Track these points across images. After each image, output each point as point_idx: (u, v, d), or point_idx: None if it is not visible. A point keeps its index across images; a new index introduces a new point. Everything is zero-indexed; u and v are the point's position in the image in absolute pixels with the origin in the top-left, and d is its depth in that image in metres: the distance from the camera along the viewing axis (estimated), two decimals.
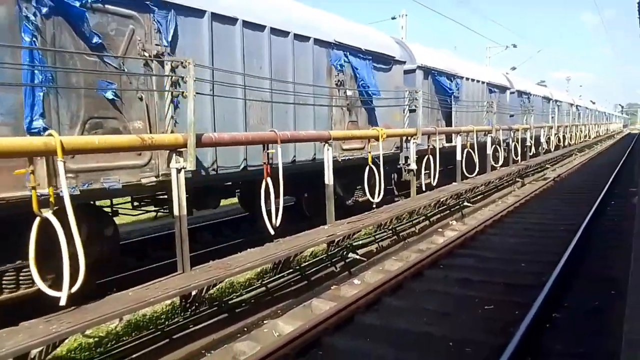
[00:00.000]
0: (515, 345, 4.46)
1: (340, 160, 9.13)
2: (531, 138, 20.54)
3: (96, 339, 4.71)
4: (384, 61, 10.80)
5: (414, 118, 11.86)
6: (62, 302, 4.11)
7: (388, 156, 10.44)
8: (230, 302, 5.80)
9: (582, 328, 5.15)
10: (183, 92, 5.49)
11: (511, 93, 20.81)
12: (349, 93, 9.53)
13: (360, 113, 10.01)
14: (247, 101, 7.13)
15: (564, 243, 8.19)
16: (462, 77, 15.26)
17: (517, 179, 16.89)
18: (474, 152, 14.01)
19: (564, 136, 28.50)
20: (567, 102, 34.07)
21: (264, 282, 6.40)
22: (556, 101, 29.22)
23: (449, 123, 14.29)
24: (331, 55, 9.07)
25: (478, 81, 16.84)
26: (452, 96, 14.34)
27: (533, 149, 21.42)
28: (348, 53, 9.45)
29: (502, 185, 15.66)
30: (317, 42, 8.69)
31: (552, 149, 25.14)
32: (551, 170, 20.41)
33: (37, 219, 4.09)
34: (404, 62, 11.94)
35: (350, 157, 9.54)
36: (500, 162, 16.62)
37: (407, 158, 11.71)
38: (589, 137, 39.55)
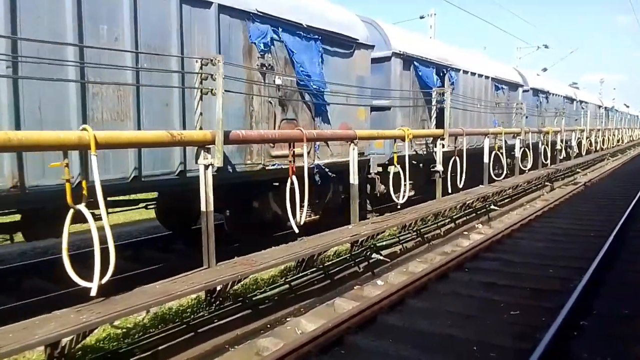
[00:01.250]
0: (542, 352, 4.38)
1: (267, 169, 7.24)
2: (562, 141, 20.05)
3: (124, 330, 4.83)
4: (340, 43, 8.52)
5: (386, 117, 10.47)
6: (93, 293, 4.22)
7: (343, 164, 8.24)
8: (254, 298, 5.85)
9: (611, 336, 5.02)
10: (212, 90, 5.55)
11: (524, 91, 18.47)
12: (279, 82, 7.27)
13: (301, 109, 7.83)
14: (87, 86, 5.01)
15: (594, 249, 7.98)
16: (458, 70, 13.00)
17: (547, 183, 16.55)
18: (502, 155, 13.81)
19: (595, 140, 27.67)
20: (594, 103, 31.10)
21: (287, 280, 6.45)
22: (581, 102, 26.75)
23: (439, 124, 11.45)
24: (251, 29, 6.84)
25: (480, 75, 14.47)
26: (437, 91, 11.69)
27: (564, 152, 20.86)
28: (280, 29, 7.21)
29: (530, 189, 15.38)
30: (226, 10, 6.48)
31: (584, 153, 24.52)
32: (582, 175, 19.93)
33: (71, 211, 4.20)
34: (372, 47, 9.63)
35: (282, 166, 7.33)
36: (529, 166, 16.32)
37: (389, 161, 11.42)
38: (622, 142, 38.42)
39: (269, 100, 7.22)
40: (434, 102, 11.21)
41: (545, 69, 31.67)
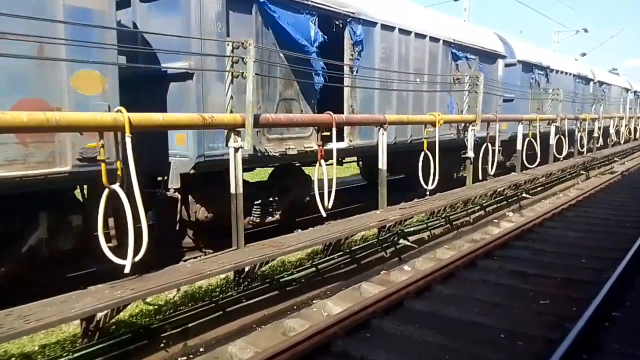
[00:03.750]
0: (571, 342, 4.31)
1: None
2: (599, 129, 19.36)
3: (156, 307, 4.98)
4: None
5: (187, 91, 6.16)
6: (127, 270, 4.36)
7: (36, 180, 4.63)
8: (281, 280, 5.94)
9: None
10: (243, 73, 5.60)
11: (509, 65, 13.89)
12: None
13: None
14: None
15: (630, 240, 7.76)
16: (371, 24, 8.58)
17: (582, 172, 16.11)
18: (536, 143, 13.48)
19: (635, 128, 26.49)
20: (620, 86, 25.89)
21: (314, 263, 6.51)
22: (601, 84, 22.10)
23: (333, 107, 7.16)
24: None
25: (422, 36, 9.88)
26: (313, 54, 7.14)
27: (601, 140, 20.08)
28: None
29: (565, 177, 15.00)
30: None
31: (622, 142, 23.67)
32: (619, 164, 19.31)
33: (106, 191, 4.33)
34: None
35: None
36: (564, 153, 15.90)
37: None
38: None
39: None
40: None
41: (584, 54, 30.64)
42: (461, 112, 11.23)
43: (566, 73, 17.90)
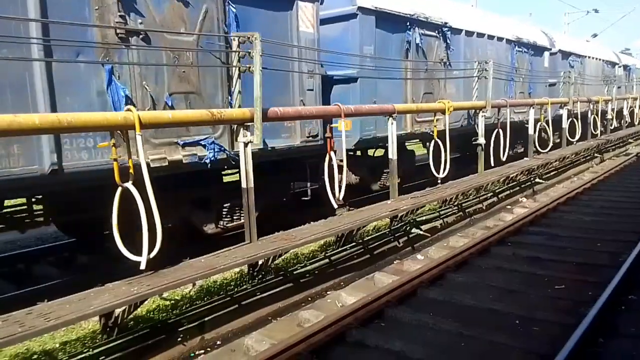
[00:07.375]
0: (587, 326, 4.30)
1: None
2: (613, 110, 19.01)
3: (172, 302, 5.06)
4: None
5: None
6: (142, 267, 4.43)
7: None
8: (294, 272, 5.98)
9: None
10: (249, 67, 5.60)
11: (336, 19, 8.18)
12: None
13: None
14: None
15: None
16: None
17: (596, 155, 15.91)
18: (549, 127, 13.33)
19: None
20: (599, 58, 19.59)
21: (327, 255, 6.54)
22: (566, 54, 16.28)
23: None
24: None
25: None
26: None
27: (614, 122, 19.69)
28: None
29: (578, 161, 14.83)
30: None
31: (636, 123, 23.26)
32: (634, 146, 19.04)
33: (119, 189, 4.39)
34: None
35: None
36: (577, 137, 15.70)
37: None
38: None
39: None
40: None
41: (595, 35, 30.08)
42: (230, 105, 6.01)
43: (492, 37, 11.91)
